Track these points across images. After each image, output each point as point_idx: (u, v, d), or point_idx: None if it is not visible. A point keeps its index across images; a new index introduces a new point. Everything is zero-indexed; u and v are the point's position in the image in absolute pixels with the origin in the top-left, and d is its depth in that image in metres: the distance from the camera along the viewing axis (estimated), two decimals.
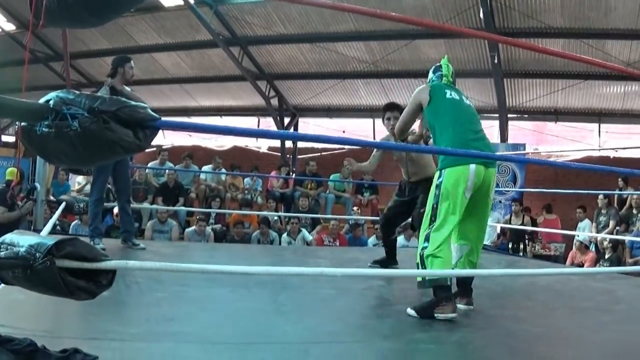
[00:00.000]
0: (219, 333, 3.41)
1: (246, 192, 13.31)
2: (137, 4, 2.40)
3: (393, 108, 5.91)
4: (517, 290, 5.31)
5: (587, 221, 12.12)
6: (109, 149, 2.14)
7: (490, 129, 16.33)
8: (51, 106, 2.10)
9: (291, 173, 15.32)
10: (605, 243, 10.72)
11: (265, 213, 11.65)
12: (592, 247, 11.37)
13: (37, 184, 8.48)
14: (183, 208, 11.42)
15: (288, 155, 18.00)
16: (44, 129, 2.09)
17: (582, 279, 6.19)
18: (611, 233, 10.76)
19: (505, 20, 12.72)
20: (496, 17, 12.53)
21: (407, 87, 16.05)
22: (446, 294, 3.89)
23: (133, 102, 2.22)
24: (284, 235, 10.94)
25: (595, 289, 5.68)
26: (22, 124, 2.18)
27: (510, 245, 12.04)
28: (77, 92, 2.18)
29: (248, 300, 4.38)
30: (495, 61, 13.63)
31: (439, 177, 4.03)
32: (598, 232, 11.35)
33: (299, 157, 17.92)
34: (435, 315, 3.88)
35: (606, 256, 10.64)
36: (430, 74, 4.53)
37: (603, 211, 11.75)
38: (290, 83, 17.50)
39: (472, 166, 3.93)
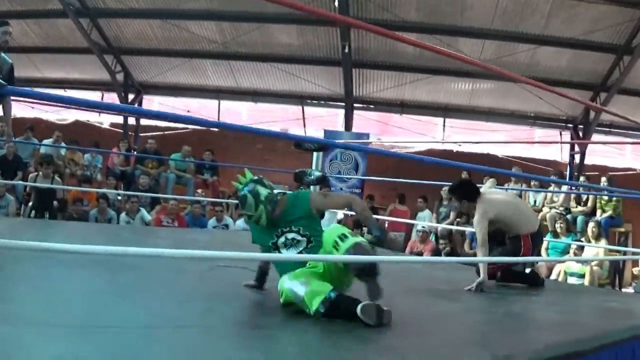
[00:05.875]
0: (55, 315, 3.26)
1: (85, 168, 13.03)
2: None
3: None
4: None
5: (427, 211, 12.64)
6: None
7: (335, 117, 16.81)
8: None
9: (132, 151, 15.05)
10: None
11: (104, 190, 11.43)
12: (432, 237, 11.68)
13: None
14: (22, 182, 10.96)
15: (130, 133, 17.65)
16: None
17: (425, 267, 6.58)
18: (451, 224, 11.26)
19: (360, 10, 13.12)
20: (351, 7, 12.88)
21: (255, 71, 16.28)
22: None
23: None
24: (123, 214, 10.83)
25: (439, 278, 5.98)
26: None
27: None
28: None
29: (85, 280, 4.32)
30: (346, 50, 13.98)
31: None
32: (438, 222, 11.85)
33: (142, 134, 17.61)
34: None
35: (442, 247, 11.09)
36: None
37: (444, 202, 12.29)
38: (138, 59, 17.18)
39: None
